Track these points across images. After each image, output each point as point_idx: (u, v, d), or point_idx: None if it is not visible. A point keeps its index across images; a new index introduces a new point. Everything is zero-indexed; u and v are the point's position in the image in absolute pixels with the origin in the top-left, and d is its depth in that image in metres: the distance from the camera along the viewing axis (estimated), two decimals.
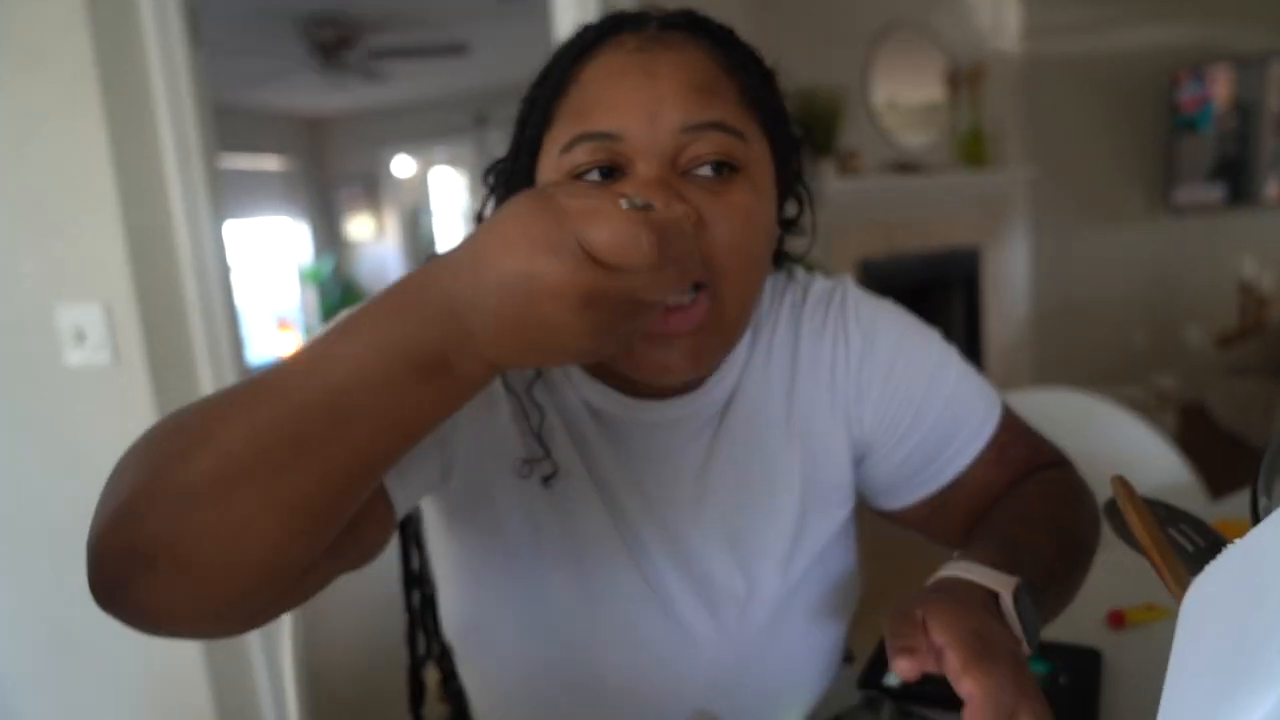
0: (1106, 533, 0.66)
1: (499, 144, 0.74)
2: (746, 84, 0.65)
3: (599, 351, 0.44)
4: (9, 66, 1.63)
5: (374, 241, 7.25)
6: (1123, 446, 1.41)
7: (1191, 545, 0.48)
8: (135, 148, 1.65)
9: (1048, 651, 0.82)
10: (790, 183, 0.73)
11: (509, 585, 0.72)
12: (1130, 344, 5.23)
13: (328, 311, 7.09)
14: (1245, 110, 4.65)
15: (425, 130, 6.90)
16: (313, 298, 7.08)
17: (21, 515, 1.81)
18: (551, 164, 0.63)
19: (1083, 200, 5.24)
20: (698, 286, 0.60)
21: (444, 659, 0.91)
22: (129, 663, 1.82)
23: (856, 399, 0.75)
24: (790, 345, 0.75)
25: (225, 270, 1.78)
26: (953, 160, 5.08)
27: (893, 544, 1.35)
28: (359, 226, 7.26)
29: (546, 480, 0.68)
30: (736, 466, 0.73)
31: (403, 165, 7.28)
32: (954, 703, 0.77)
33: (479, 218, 0.73)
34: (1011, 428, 0.79)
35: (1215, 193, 4.78)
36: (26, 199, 1.67)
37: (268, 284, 6.70)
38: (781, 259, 0.79)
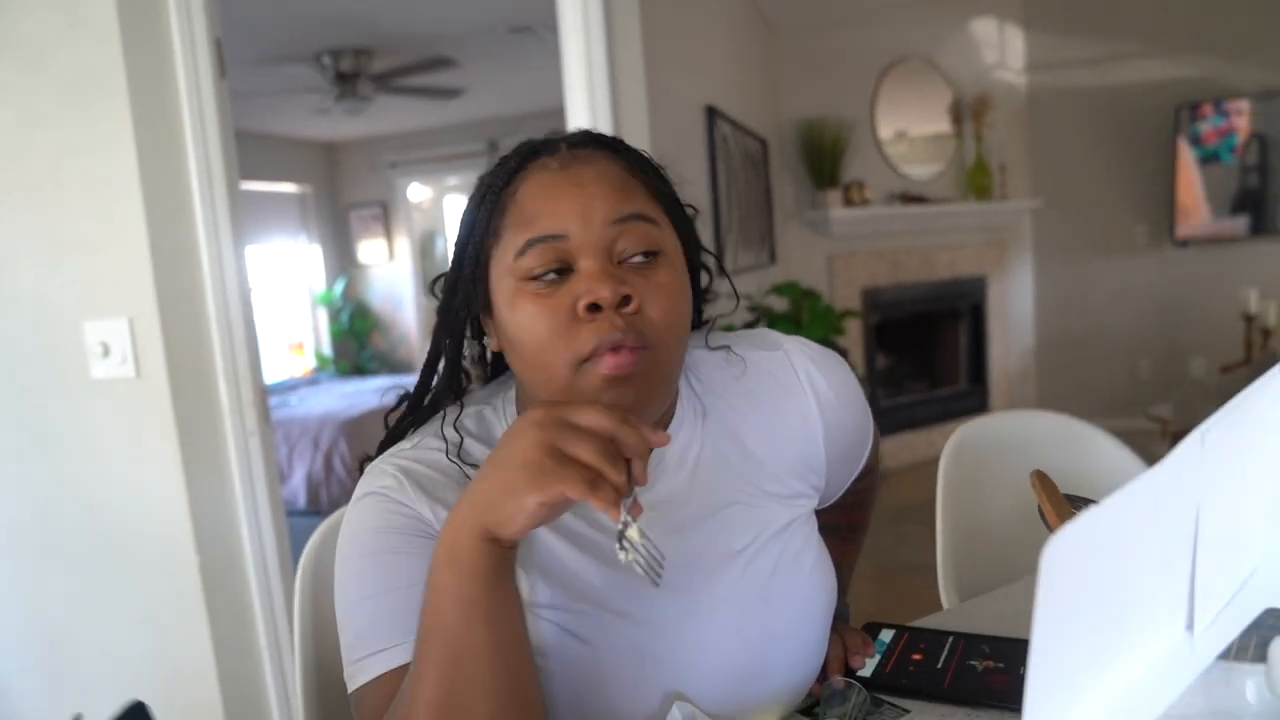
0: None
1: None
2: (648, 180, 0.80)
3: (536, 470, 0.61)
4: (52, 104, 1.73)
5: (385, 264, 7.35)
6: (1101, 467, 1.46)
7: None
8: (163, 174, 1.74)
9: (1016, 648, 0.88)
10: (695, 256, 0.85)
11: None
12: (1136, 375, 5.27)
13: (337, 333, 7.18)
14: (1265, 144, 4.73)
15: (438, 156, 7.02)
16: (324, 319, 7.18)
17: (39, 520, 1.88)
18: (506, 269, 0.76)
19: (1087, 232, 5.30)
20: (639, 347, 0.72)
21: None
22: (138, 666, 1.88)
23: (828, 424, 0.88)
24: (741, 410, 0.86)
25: (245, 290, 1.86)
26: (958, 191, 5.16)
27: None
28: (371, 250, 7.36)
29: None
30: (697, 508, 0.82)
31: (416, 191, 7.40)
32: (919, 693, 0.83)
33: (439, 329, 0.84)
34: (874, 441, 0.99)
35: (1239, 224, 4.85)
36: (62, 222, 1.76)
37: (281, 306, 6.80)
38: (700, 318, 0.92)
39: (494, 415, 0.84)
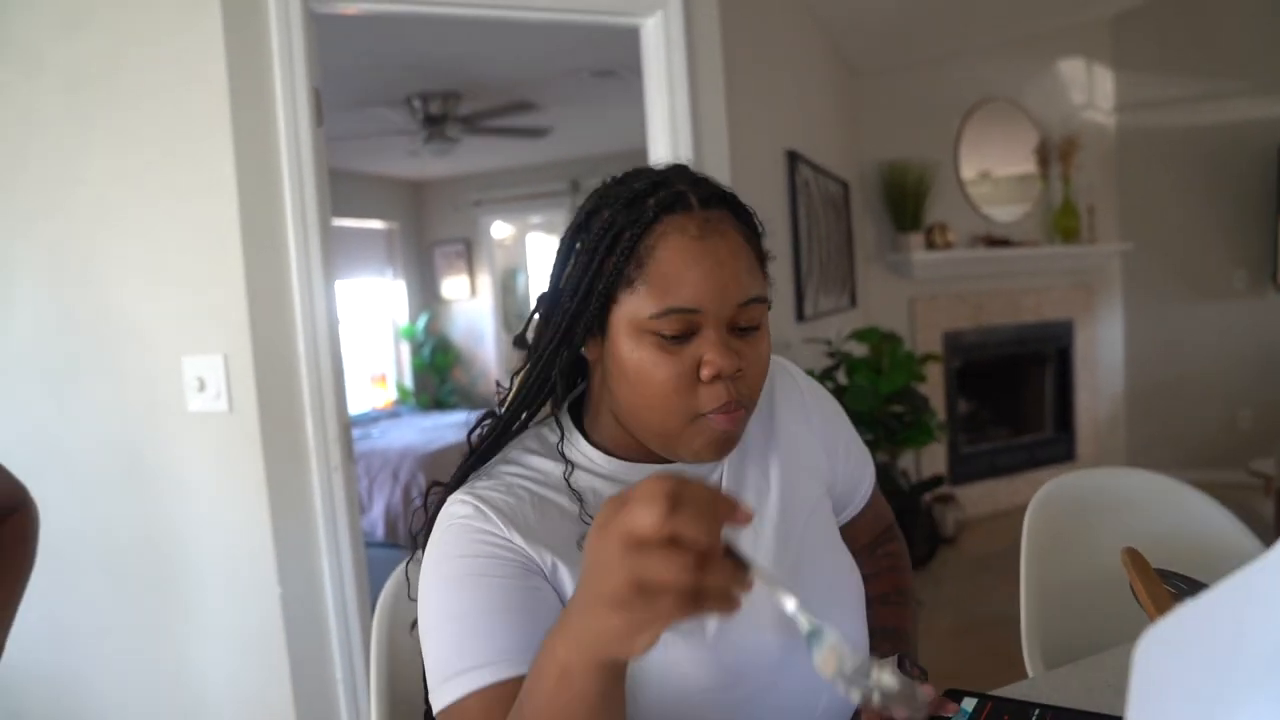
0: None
1: None
2: (757, 246, 0.88)
3: (628, 614, 0.57)
4: (161, 150, 1.83)
5: (468, 300, 7.50)
6: (1196, 528, 1.40)
7: None
8: (261, 217, 1.82)
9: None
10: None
11: None
12: (1235, 426, 5.03)
13: (419, 366, 7.32)
14: None
15: (521, 195, 7.15)
16: (406, 353, 7.34)
17: (131, 546, 1.95)
18: (635, 316, 0.81)
19: (1180, 275, 5.12)
20: (742, 409, 0.83)
21: None
22: (218, 693, 1.93)
23: (820, 429, 1.02)
24: (767, 409, 0.99)
25: (334, 330, 1.92)
26: (1044, 233, 5.04)
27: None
28: (454, 286, 7.52)
29: None
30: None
31: (499, 229, 7.55)
32: None
33: (519, 340, 0.91)
34: (874, 482, 1.11)
35: None
36: (168, 262, 1.85)
37: (366, 339, 6.98)
38: None
39: (549, 432, 0.93)
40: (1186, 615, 0.35)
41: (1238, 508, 1.44)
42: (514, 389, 0.92)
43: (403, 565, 1.14)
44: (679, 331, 0.81)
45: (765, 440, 0.97)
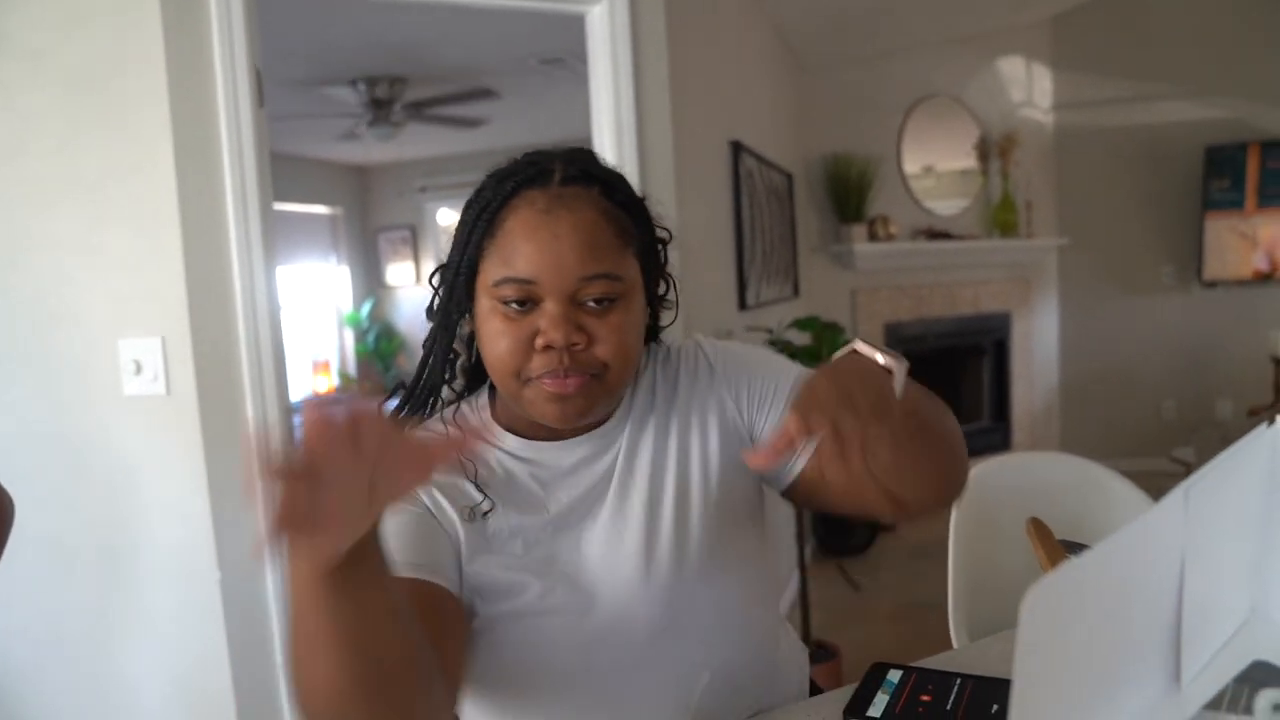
0: None
1: None
2: (623, 225, 0.90)
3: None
4: (97, 126, 1.79)
5: (412, 286, 7.43)
6: (1115, 511, 1.47)
7: None
8: (200, 198, 1.79)
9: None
10: (658, 272, 0.98)
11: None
12: (1161, 416, 5.22)
13: (362, 353, 7.24)
14: None
15: (467, 182, 7.06)
16: (350, 340, 7.25)
17: (67, 531, 1.91)
18: (487, 289, 0.88)
19: (1113, 271, 5.28)
20: (581, 375, 0.86)
21: None
22: (156, 679, 1.91)
23: (735, 389, 0.98)
24: (671, 386, 0.99)
25: (275, 313, 1.90)
26: (984, 227, 5.16)
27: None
28: (399, 272, 7.44)
29: (486, 515, 0.91)
30: (637, 489, 0.94)
31: (445, 215, 7.48)
32: None
33: (431, 310, 0.97)
34: None
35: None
36: (102, 243, 1.81)
37: (308, 325, 6.88)
38: (655, 333, 1.03)
39: (469, 409, 0.99)
40: (1072, 570, 0.38)
41: (1159, 493, 1.50)
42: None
43: None
44: (519, 300, 0.86)
45: (667, 417, 0.97)
